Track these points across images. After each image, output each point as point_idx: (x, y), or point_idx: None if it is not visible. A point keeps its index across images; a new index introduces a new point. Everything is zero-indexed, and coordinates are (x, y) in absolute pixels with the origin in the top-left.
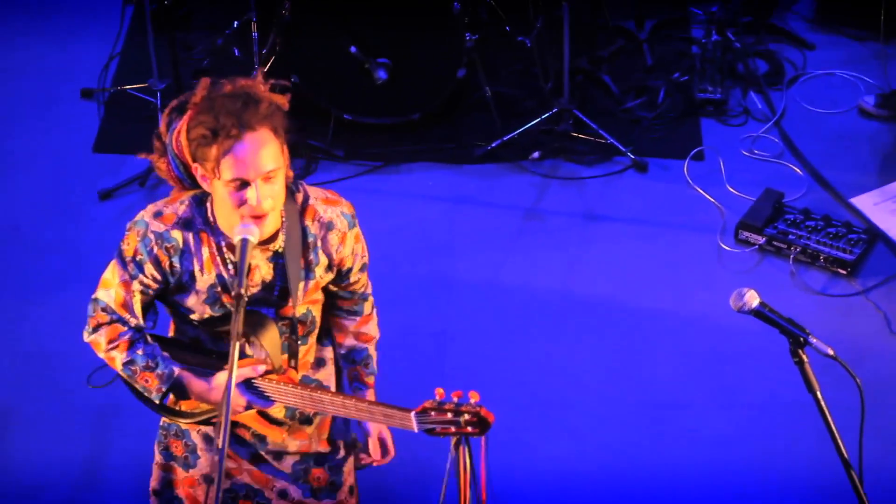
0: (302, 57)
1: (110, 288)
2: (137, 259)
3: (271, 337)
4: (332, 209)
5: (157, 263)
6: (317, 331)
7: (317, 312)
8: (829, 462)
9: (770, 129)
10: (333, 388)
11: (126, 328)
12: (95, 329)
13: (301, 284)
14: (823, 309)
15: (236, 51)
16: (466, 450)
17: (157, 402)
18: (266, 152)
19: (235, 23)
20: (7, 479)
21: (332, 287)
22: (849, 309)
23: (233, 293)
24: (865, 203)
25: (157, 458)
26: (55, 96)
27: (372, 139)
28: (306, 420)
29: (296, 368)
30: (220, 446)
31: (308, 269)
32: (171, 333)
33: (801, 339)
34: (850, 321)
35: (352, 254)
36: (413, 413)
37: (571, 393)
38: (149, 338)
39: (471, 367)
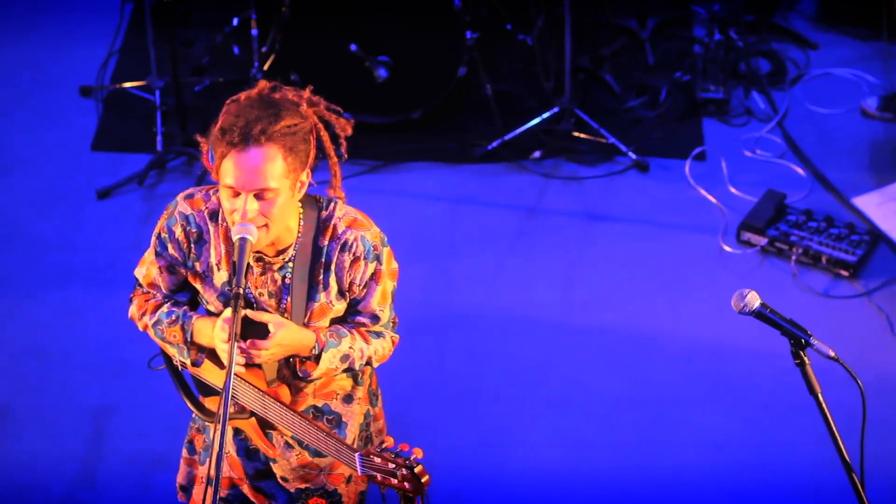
0: (302, 55)
1: (144, 265)
2: (162, 236)
3: None
4: (353, 231)
5: (178, 245)
6: None
7: None
8: (830, 464)
9: (772, 129)
10: (356, 428)
11: (153, 297)
12: (130, 303)
13: (303, 305)
14: (825, 311)
15: (236, 49)
16: None
17: (188, 358)
18: (265, 170)
19: (235, 20)
20: (3, 477)
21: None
22: (851, 311)
23: (231, 292)
24: (868, 204)
25: (183, 452)
26: (54, 94)
27: (372, 138)
28: (318, 453)
29: (289, 385)
30: (215, 450)
31: (314, 291)
32: None
33: (803, 340)
34: (852, 323)
35: (362, 285)
36: (357, 454)
37: (571, 393)
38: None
39: (471, 367)
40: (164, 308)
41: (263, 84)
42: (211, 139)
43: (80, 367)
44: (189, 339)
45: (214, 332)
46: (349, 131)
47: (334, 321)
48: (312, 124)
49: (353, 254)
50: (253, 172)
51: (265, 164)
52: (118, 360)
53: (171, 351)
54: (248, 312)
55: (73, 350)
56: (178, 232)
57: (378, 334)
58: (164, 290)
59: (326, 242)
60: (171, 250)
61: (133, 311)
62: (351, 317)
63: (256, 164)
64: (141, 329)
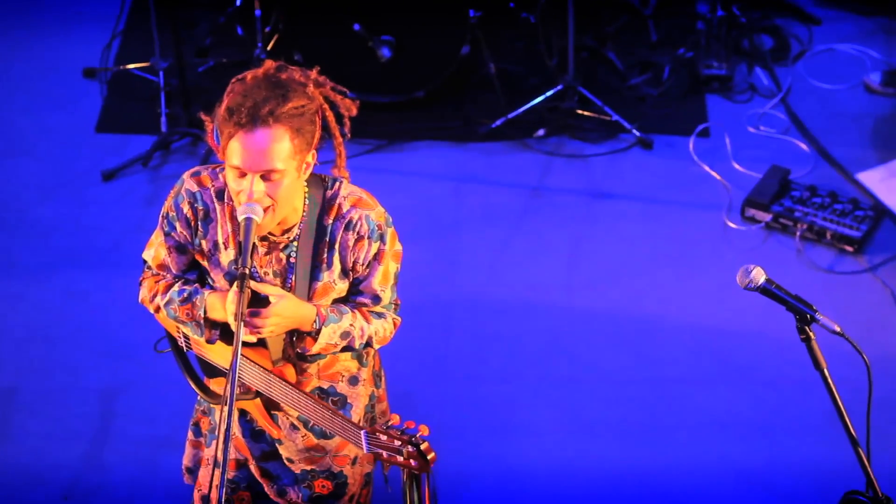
0: (305, 35)
1: (152, 247)
2: (170, 216)
3: None
4: (358, 210)
5: (186, 222)
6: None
7: None
8: (836, 439)
9: (776, 105)
10: (361, 409)
11: (163, 278)
12: (140, 286)
13: (307, 283)
14: (830, 286)
15: (239, 29)
16: (415, 485)
17: (203, 337)
18: (272, 151)
19: (238, 1)
20: (11, 459)
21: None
22: (855, 286)
23: (237, 272)
24: (872, 179)
25: (189, 434)
26: (57, 76)
27: (376, 117)
28: (323, 435)
29: (294, 365)
30: (221, 434)
31: (318, 270)
32: None
33: (808, 315)
34: (856, 298)
35: (365, 264)
36: (363, 432)
37: (576, 371)
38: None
39: (475, 346)
40: (176, 287)
41: (270, 64)
42: (217, 119)
43: (86, 350)
44: (202, 315)
45: (227, 305)
46: (354, 112)
47: (337, 302)
48: (319, 105)
49: (357, 233)
50: (260, 154)
51: (272, 145)
52: (124, 343)
53: (185, 330)
54: (252, 284)
55: (79, 333)
56: (186, 209)
57: (379, 315)
58: (174, 271)
59: (331, 221)
60: (179, 229)
61: (143, 293)
62: (352, 296)
63: (263, 146)
64: (153, 311)
